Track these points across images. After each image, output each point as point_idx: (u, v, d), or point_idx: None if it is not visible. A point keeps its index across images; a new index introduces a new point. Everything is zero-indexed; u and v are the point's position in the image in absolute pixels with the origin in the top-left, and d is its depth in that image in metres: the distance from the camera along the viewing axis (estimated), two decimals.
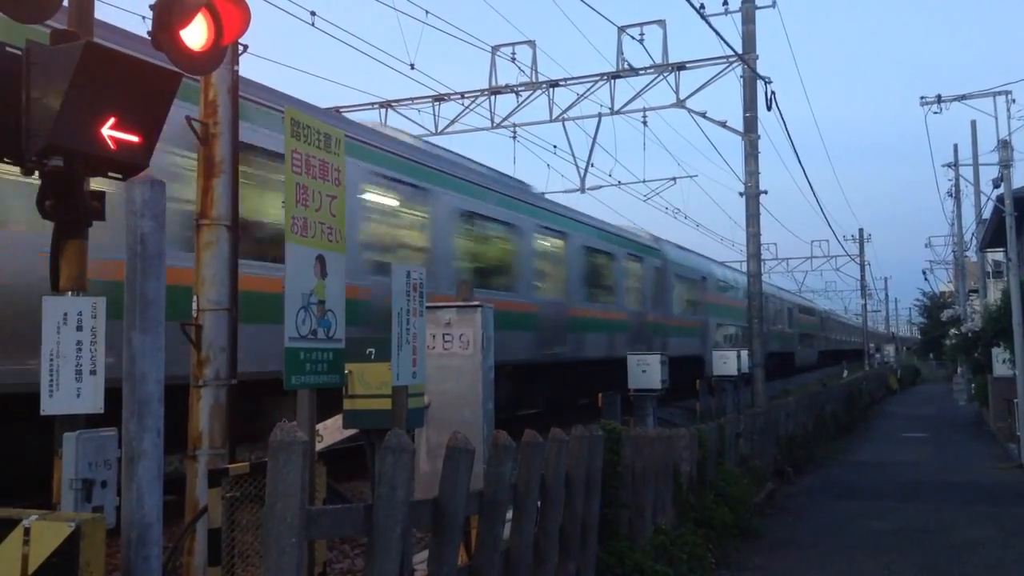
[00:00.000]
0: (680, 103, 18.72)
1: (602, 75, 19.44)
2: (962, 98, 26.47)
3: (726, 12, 17.53)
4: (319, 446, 5.77)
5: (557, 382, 16.88)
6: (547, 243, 16.70)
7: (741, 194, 17.71)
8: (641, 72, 19.02)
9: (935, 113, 26.68)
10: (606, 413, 12.67)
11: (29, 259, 6.34)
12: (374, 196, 11.47)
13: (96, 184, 3.96)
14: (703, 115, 18.73)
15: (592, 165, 22.09)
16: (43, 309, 3.69)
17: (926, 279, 50.75)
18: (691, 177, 28.66)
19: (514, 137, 21.44)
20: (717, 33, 15.97)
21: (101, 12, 5.74)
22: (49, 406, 3.67)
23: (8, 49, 3.65)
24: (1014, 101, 25.44)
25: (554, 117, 20.22)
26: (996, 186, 17.77)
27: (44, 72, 3.62)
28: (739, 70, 17.67)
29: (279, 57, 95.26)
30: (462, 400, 6.28)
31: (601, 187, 24.16)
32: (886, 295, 75.68)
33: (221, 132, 5.76)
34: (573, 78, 19.92)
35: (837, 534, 9.79)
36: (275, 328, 5.28)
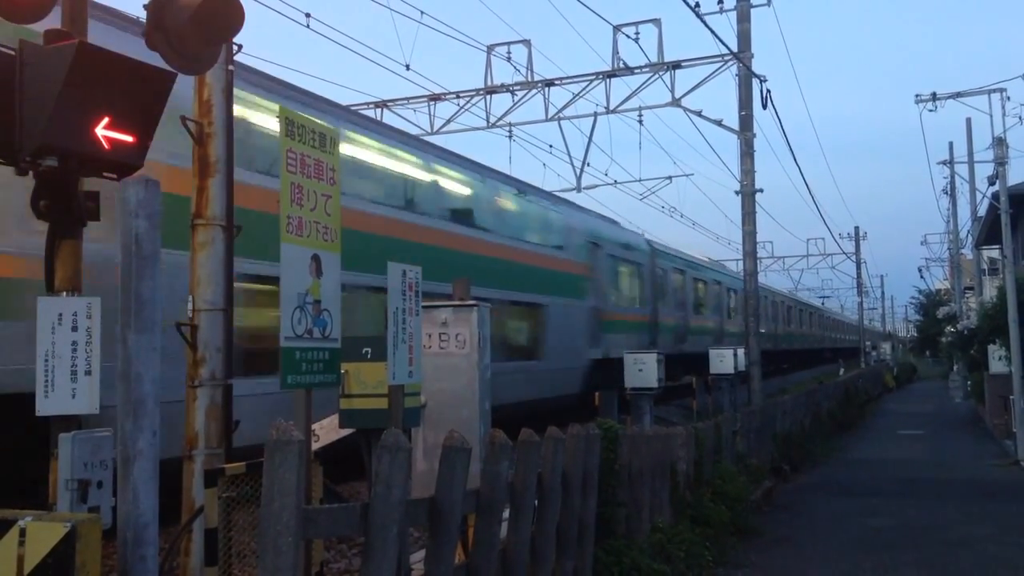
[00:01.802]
0: (676, 102, 18.71)
1: (598, 74, 19.41)
2: (957, 96, 26.39)
3: (721, 11, 17.51)
4: (315, 446, 5.75)
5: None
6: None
7: (737, 192, 17.70)
8: (636, 71, 19.01)
9: (930, 111, 26.56)
10: (603, 412, 12.68)
11: None
12: None
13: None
14: (699, 114, 18.74)
15: (588, 164, 22.13)
16: (38, 309, 3.68)
17: (922, 277, 50.88)
18: (687, 176, 28.83)
19: (510, 136, 21.43)
20: (712, 32, 15.95)
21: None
22: (44, 407, 3.66)
23: (1, 49, 3.64)
24: (1009, 99, 25.34)
25: (550, 116, 20.20)
26: (991, 183, 17.82)
27: (38, 72, 3.61)
28: (735, 68, 17.65)
29: (275, 58, 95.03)
30: (459, 399, 6.27)
31: (597, 186, 24.17)
32: (882, 293, 75.84)
33: (216, 132, 5.74)
34: (568, 77, 19.90)
35: (834, 531, 9.80)
36: None
